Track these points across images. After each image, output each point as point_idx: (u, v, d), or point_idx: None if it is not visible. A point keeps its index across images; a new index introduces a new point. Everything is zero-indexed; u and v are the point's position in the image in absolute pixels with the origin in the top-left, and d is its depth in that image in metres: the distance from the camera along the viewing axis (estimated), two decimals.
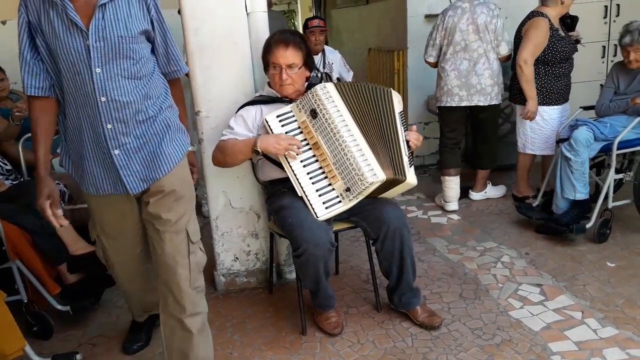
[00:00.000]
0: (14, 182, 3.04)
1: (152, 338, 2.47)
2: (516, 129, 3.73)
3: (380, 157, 2.25)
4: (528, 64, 3.38)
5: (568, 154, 3.12)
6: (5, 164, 3.06)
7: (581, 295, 2.61)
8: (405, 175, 2.28)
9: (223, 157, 2.43)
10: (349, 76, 4.53)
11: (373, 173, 2.20)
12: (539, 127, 3.57)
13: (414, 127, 2.46)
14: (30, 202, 2.59)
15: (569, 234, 3.13)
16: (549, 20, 3.39)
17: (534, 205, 3.48)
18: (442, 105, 3.72)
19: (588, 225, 3.08)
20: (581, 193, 3.14)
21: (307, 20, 4.38)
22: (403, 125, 2.39)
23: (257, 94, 2.59)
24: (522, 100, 3.53)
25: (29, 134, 3.13)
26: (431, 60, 3.77)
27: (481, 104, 3.63)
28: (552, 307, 2.53)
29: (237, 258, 2.89)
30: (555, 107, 3.54)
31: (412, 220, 3.67)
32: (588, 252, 3.04)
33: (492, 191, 4.02)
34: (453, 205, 3.81)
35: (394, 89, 4.62)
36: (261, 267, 2.91)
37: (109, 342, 2.50)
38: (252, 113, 2.46)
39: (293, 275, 2.93)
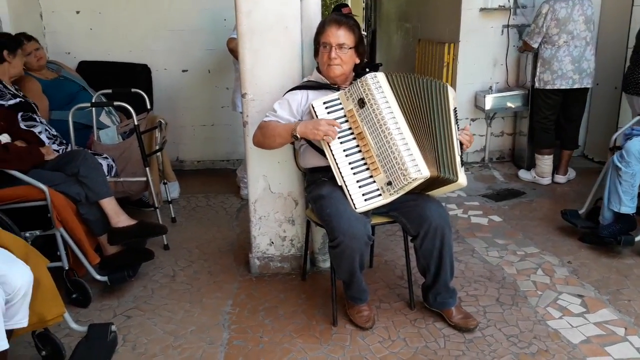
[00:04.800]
0: (60, 147, 3.10)
1: None
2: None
3: (426, 154, 2.19)
4: None
5: (619, 164, 2.99)
6: (51, 129, 3.13)
7: (625, 311, 2.51)
8: (457, 175, 2.21)
9: (262, 138, 2.41)
10: None
11: (417, 169, 2.14)
12: None
13: (468, 127, 2.40)
14: (77, 172, 2.66)
15: (616, 246, 3.01)
16: None
17: (580, 212, 3.36)
18: (556, 87, 4.04)
19: (638, 239, 2.95)
20: (627, 207, 3.00)
21: (339, 6, 4.97)
22: (457, 124, 2.33)
23: (305, 79, 2.57)
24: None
25: (82, 104, 3.24)
26: (536, 45, 4.09)
27: (589, 86, 4.07)
28: (593, 321, 2.44)
29: (272, 242, 2.89)
30: None
31: (451, 218, 3.55)
32: (635, 266, 2.91)
33: (573, 173, 4.34)
34: (548, 180, 4.24)
35: None
36: (295, 253, 2.91)
37: (143, 315, 2.54)
38: (298, 97, 2.44)
39: (326, 264, 2.92)
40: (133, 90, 3.50)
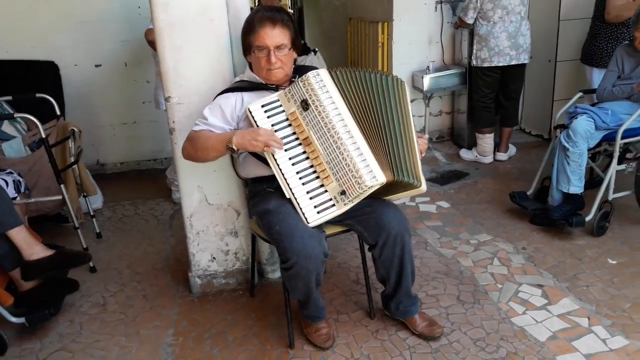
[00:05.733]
0: None
1: None
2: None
3: (380, 157, 1.99)
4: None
5: (566, 144, 2.93)
6: None
7: (585, 298, 2.45)
8: (418, 180, 2.04)
9: (194, 151, 2.12)
10: None
11: (372, 175, 1.94)
12: None
13: (425, 136, 2.22)
14: None
15: (566, 227, 2.97)
16: None
17: (528, 193, 3.29)
18: (493, 65, 3.94)
19: (588, 219, 2.92)
20: (575, 187, 2.96)
21: None
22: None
23: (238, 79, 2.28)
24: (597, 63, 3.67)
25: None
26: (471, 22, 3.98)
27: (526, 61, 3.99)
28: (557, 313, 2.36)
29: (214, 258, 2.62)
30: None
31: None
32: (587, 246, 2.88)
33: (513, 150, 4.30)
34: (490, 158, 4.19)
35: (377, 64, 4.43)
36: (241, 267, 2.65)
37: (72, 357, 2.23)
38: (232, 102, 2.15)
39: (276, 275, 2.70)
40: (38, 95, 3.06)
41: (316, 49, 4.01)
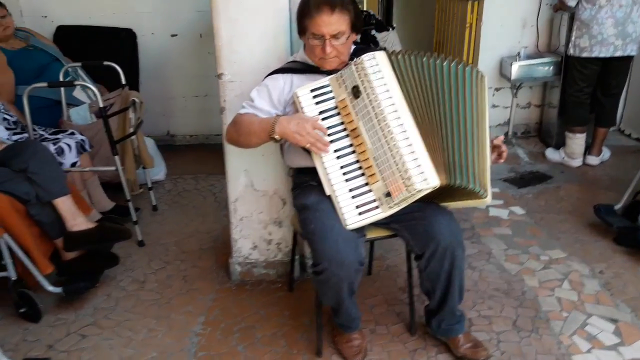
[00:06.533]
0: (22, 136, 2.74)
1: None
2: None
3: (437, 157, 1.75)
4: None
5: None
6: (11, 116, 2.75)
7: None
8: (484, 187, 1.77)
9: (237, 135, 1.99)
10: None
11: (423, 177, 1.71)
12: None
13: (501, 137, 1.94)
14: (26, 168, 2.29)
15: None
16: None
17: (616, 207, 2.89)
18: (593, 56, 3.48)
19: None
20: None
21: None
22: None
23: (290, 59, 2.11)
24: None
25: (37, 85, 2.81)
26: (573, 4, 3.50)
27: (634, 53, 3.49)
28: (629, 356, 2.03)
29: (256, 246, 2.52)
30: None
31: (466, 210, 3.14)
32: None
33: (607, 154, 3.84)
34: (578, 161, 3.74)
35: (463, 47, 4.07)
36: (283, 258, 2.53)
37: (101, 334, 2.22)
38: (280, 84, 1.99)
39: None
40: (105, 63, 3.07)
41: (394, 25, 3.74)
